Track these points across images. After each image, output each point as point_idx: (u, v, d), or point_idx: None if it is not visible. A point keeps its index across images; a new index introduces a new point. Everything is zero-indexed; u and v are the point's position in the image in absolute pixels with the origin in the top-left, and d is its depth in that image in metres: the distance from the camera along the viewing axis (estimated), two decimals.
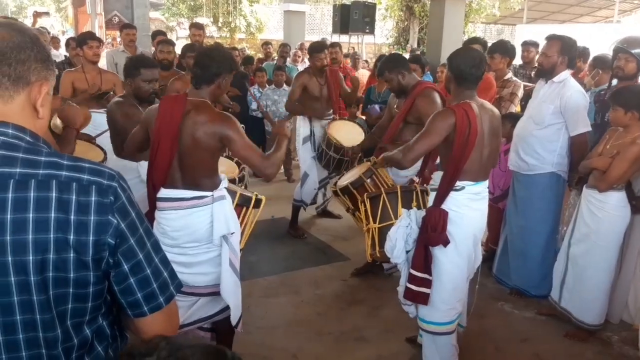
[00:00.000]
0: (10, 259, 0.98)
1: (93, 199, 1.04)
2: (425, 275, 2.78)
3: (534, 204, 3.76)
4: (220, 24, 19.94)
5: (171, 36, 11.11)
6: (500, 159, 4.26)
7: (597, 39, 10.17)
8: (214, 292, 2.63)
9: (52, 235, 1.00)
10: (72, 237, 1.01)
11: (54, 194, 1.00)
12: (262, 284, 3.99)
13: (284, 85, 6.58)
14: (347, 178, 3.90)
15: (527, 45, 5.89)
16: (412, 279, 2.82)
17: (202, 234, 2.55)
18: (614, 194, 3.21)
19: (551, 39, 3.63)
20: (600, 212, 3.24)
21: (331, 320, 3.60)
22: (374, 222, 3.49)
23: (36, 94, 1.08)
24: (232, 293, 2.59)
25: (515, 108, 4.59)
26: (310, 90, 4.84)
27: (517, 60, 5.91)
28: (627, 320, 3.57)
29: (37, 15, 11.22)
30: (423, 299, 2.80)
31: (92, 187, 1.04)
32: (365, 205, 3.56)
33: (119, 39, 14.71)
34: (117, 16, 18.33)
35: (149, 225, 1.16)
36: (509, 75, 4.67)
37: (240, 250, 2.74)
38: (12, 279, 0.99)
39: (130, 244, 1.09)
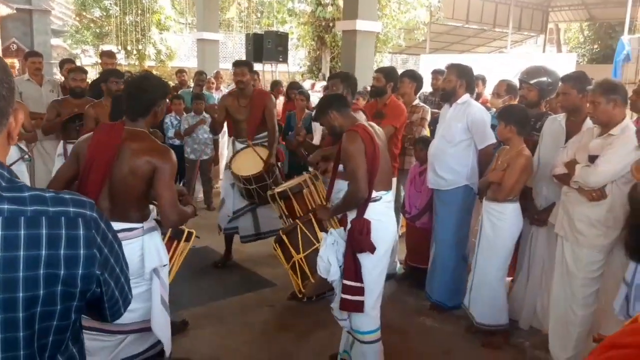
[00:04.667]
0: None
1: (81, 232, 1.04)
2: (358, 284, 2.91)
3: (451, 218, 4.02)
4: (128, 51, 19.44)
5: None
6: (416, 180, 4.50)
7: (492, 67, 11.06)
8: (142, 329, 2.54)
9: (42, 272, 0.99)
10: (62, 272, 1.01)
11: (44, 231, 1.00)
12: (186, 316, 3.89)
13: (203, 112, 6.52)
14: (286, 184, 3.98)
15: (436, 73, 6.27)
16: (346, 289, 2.93)
17: (131, 267, 2.46)
18: (510, 205, 3.52)
19: (450, 67, 4.05)
20: (499, 221, 3.55)
21: (259, 348, 3.57)
22: (297, 252, 3.54)
23: (12, 123, 1.07)
24: (164, 328, 2.52)
25: (426, 131, 4.88)
26: (231, 112, 4.75)
27: (427, 88, 6.30)
28: (536, 326, 3.85)
29: None
30: (359, 307, 2.92)
31: (79, 219, 1.05)
32: (283, 243, 3.61)
33: (17, 67, 13.99)
34: (16, 43, 17.40)
35: (119, 238, 1.20)
36: (417, 101, 5.00)
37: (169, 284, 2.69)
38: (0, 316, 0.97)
39: (111, 264, 1.14)
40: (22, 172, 4.81)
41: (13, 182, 1.02)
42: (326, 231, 3.14)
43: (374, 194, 2.92)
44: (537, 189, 3.72)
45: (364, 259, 2.92)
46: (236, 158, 4.63)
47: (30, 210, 0.99)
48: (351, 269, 2.92)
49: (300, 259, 3.52)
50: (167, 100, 7.12)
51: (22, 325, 0.98)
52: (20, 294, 0.97)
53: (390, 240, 3.04)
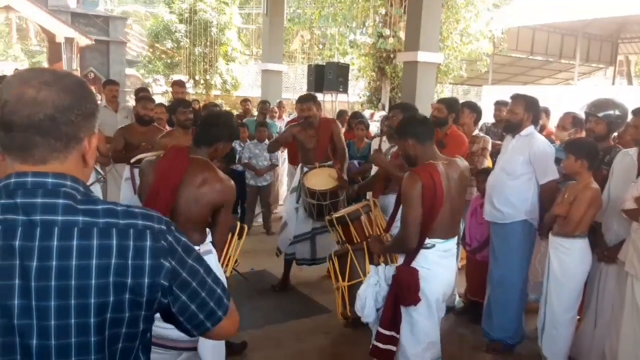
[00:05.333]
0: (73, 302, 1.03)
1: (148, 243, 1.10)
2: (393, 333, 2.82)
3: (509, 254, 3.89)
4: (196, 81, 20.33)
5: None
6: (477, 212, 4.42)
7: (558, 99, 10.78)
8: (194, 348, 2.63)
9: (111, 280, 1.06)
10: (129, 280, 1.07)
11: (114, 242, 1.07)
12: (244, 338, 3.96)
13: (266, 140, 6.74)
14: (345, 210, 4.02)
15: (499, 104, 6.15)
16: (379, 336, 2.85)
17: None
18: (578, 240, 3.42)
19: (516, 98, 3.91)
20: (567, 257, 3.44)
21: None
22: (343, 280, 3.56)
23: (86, 147, 1.13)
24: (214, 351, 2.59)
25: (487, 161, 4.82)
26: (300, 140, 4.93)
27: (490, 119, 6.23)
28: None
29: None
30: (389, 357, 2.83)
31: (147, 232, 1.11)
32: (333, 264, 3.63)
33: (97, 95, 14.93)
34: (93, 72, 18.59)
35: (197, 253, 1.22)
36: (477, 131, 4.98)
37: (227, 277, 2.81)
38: (72, 321, 1.04)
39: (183, 277, 1.15)
40: (96, 193, 5.08)
41: (88, 197, 1.10)
42: (376, 265, 3.10)
43: (427, 240, 2.78)
44: (607, 225, 3.57)
45: (411, 309, 2.80)
46: (308, 176, 4.77)
47: (102, 222, 1.06)
48: (388, 317, 2.81)
49: (344, 287, 3.52)
50: None
51: (94, 331, 1.04)
52: (92, 300, 1.03)
53: (442, 291, 2.89)
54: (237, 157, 6.83)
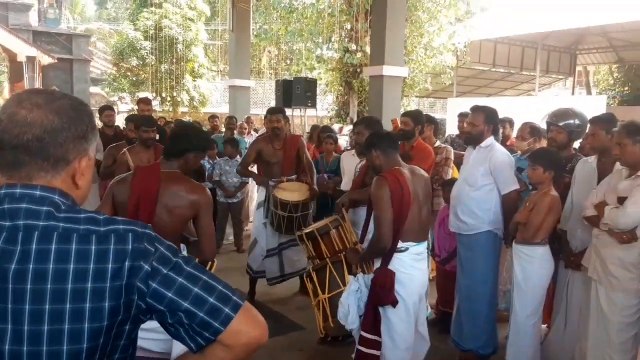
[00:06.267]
0: (47, 307, 1.01)
1: (129, 246, 1.08)
2: (375, 337, 2.87)
3: (475, 264, 3.94)
4: (163, 98, 20.15)
5: None
6: (445, 222, 4.48)
7: (520, 110, 11.07)
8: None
9: (89, 285, 1.04)
10: (107, 284, 1.05)
11: (93, 247, 1.06)
12: None
13: (238, 156, 6.72)
14: (314, 225, 4.03)
15: (462, 116, 6.34)
16: (362, 341, 2.90)
17: None
18: (539, 248, 3.50)
19: (475, 110, 3.99)
20: (529, 265, 3.52)
21: None
22: (323, 292, 3.56)
23: (76, 168, 1.13)
24: None
25: (452, 171, 4.91)
26: (266, 154, 4.97)
27: (455, 130, 6.35)
28: None
29: None
30: None
31: (129, 234, 1.09)
32: (311, 279, 3.64)
33: None
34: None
35: (187, 256, 1.17)
36: (438, 142, 5.12)
37: None
38: (45, 327, 1.02)
39: (166, 274, 1.10)
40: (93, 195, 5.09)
41: (73, 208, 1.11)
42: (354, 275, 3.15)
43: (400, 244, 2.88)
44: (572, 232, 3.66)
45: (390, 312, 2.87)
46: (279, 189, 4.78)
47: (83, 228, 1.06)
48: (370, 320, 2.88)
49: (325, 299, 3.53)
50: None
51: (67, 339, 1.01)
52: (68, 306, 1.02)
53: (418, 293, 2.98)
54: (207, 174, 6.78)
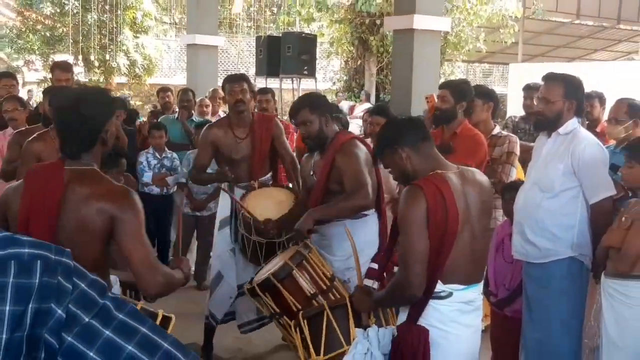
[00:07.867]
0: None
1: (36, 281, 1.09)
2: None
3: (551, 308, 3.90)
4: (89, 62, 20.18)
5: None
6: (505, 246, 4.45)
7: (617, 80, 11.07)
8: None
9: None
10: (3, 336, 1.06)
11: None
12: None
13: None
14: (268, 269, 3.92)
15: (530, 89, 6.17)
16: None
17: None
18: (637, 283, 3.46)
19: (551, 79, 3.97)
20: (626, 309, 3.48)
21: None
22: (317, 353, 3.52)
23: None
24: None
25: (516, 171, 4.89)
26: (224, 149, 4.84)
27: (519, 111, 6.32)
28: None
29: None
30: None
31: (36, 262, 1.10)
32: (302, 330, 3.60)
33: None
34: None
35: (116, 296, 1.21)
36: (497, 129, 5.06)
37: None
38: None
39: (86, 323, 1.13)
40: None
41: None
42: (364, 327, 3.10)
43: (440, 286, 2.80)
44: None
45: None
46: (249, 201, 4.61)
47: None
48: None
49: None
50: (137, 126, 7.39)
51: None
52: None
53: None
54: (151, 173, 6.73)
